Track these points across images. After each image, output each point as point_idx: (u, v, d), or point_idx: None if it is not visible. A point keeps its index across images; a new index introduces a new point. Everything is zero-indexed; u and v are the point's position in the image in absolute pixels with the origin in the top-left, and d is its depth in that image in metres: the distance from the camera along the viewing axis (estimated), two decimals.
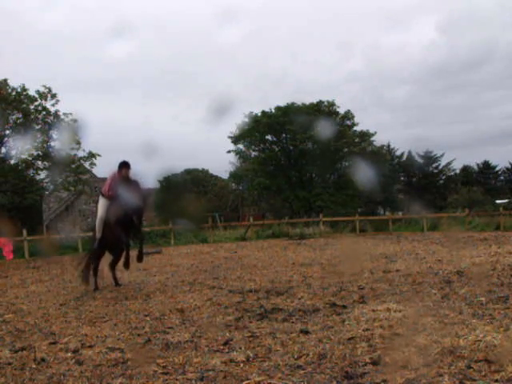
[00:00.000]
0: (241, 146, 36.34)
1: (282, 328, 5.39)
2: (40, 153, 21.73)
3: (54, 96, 22.05)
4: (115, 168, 8.82)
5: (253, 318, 6.02)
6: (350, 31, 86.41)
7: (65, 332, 5.83)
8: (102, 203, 8.95)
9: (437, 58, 76.09)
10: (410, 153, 47.76)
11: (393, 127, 71.02)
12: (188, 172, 45.09)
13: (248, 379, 3.82)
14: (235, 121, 35.19)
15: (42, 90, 21.82)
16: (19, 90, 21.62)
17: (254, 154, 36.33)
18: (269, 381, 3.75)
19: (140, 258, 9.00)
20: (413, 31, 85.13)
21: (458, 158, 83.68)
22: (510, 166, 51.47)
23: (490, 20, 75.94)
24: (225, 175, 41.72)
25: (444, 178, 48.67)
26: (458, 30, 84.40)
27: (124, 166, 8.68)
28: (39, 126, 22.03)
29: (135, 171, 8.92)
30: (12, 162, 22.26)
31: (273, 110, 33.68)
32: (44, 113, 21.94)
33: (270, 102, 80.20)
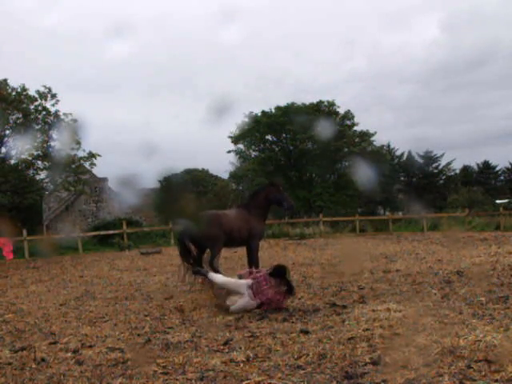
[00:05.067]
0: (241, 146, 36.35)
1: (282, 328, 5.39)
2: (40, 153, 21.68)
3: (53, 96, 22.03)
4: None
5: (253, 318, 6.03)
6: (351, 30, 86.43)
7: (65, 332, 5.84)
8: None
9: (439, 57, 76.02)
10: (410, 153, 47.73)
11: (394, 127, 70.94)
12: (188, 172, 45.06)
13: (248, 379, 3.82)
14: (235, 121, 35.17)
15: (42, 89, 21.81)
16: (19, 90, 21.59)
17: (254, 154, 36.31)
18: (269, 381, 3.75)
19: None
20: (415, 30, 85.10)
21: (458, 158, 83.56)
22: (510, 166, 51.44)
23: (493, 19, 75.87)
24: (225, 175, 41.73)
25: (444, 178, 48.58)
26: (460, 29, 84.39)
27: None
28: (39, 126, 21.99)
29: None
30: (12, 162, 22.23)
31: (273, 110, 33.65)
32: (44, 113, 21.90)
33: (270, 102, 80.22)
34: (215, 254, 8.99)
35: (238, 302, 6.46)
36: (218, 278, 7.36)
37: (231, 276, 9.48)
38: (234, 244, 9.58)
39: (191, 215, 9.56)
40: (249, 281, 6.73)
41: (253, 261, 9.23)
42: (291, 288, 6.47)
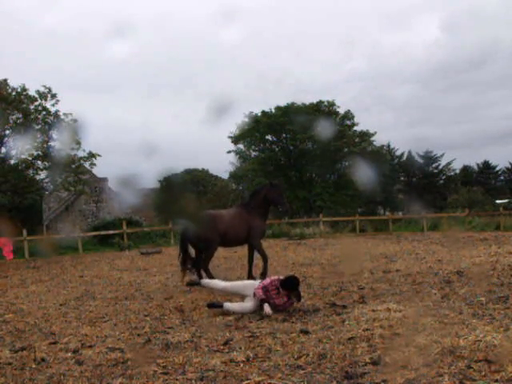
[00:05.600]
0: (241, 146, 36.34)
1: (282, 328, 5.39)
2: (40, 153, 21.68)
3: (53, 96, 22.02)
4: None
5: (253, 318, 6.03)
6: (351, 30, 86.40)
7: (65, 332, 5.84)
8: None
9: (439, 57, 75.92)
10: (410, 153, 47.70)
11: (394, 127, 70.88)
12: (188, 172, 45.10)
13: (248, 379, 3.82)
14: (235, 121, 35.16)
15: (42, 89, 21.81)
16: (19, 90, 21.60)
17: (254, 154, 36.31)
18: (269, 381, 3.76)
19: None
20: (415, 30, 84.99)
21: (458, 158, 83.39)
22: (510, 166, 51.43)
23: (493, 19, 75.74)
24: (225, 175, 41.74)
25: (444, 178, 48.58)
26: (460, 29, 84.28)
27: None
28: (39, 126, 21.98)
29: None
30: (12, 162, 22.23)
31: (273, 110, 33.65)
32: (44, 113, 21.90)
33: (270, 102, 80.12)
34: (209, 256, 9.02)
35: (240, 303, 6.44)
36: (216, 283, 7.30)
37: (230, 276, 9.50)
38: (231, 244, 9.66)
39: (190, 215, 9.59)
40: (246, 282, 6.72)
41: (263, 257, 9.33)
42: (299, 298, 6.43)
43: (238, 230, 9.12)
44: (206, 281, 7.55)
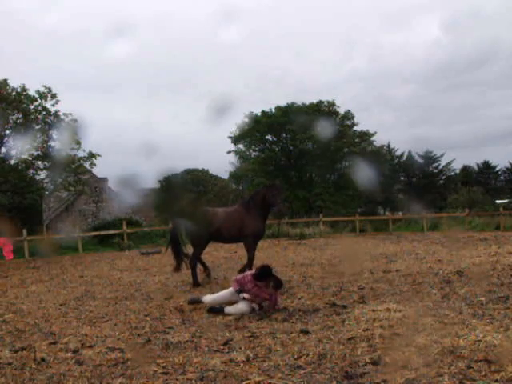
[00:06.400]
0: (241, 146, 36.32)
1: (282, 328, 5.39)
2: (40, 153, 21.68)
3: (54, 96, 22.01)
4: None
5: (253, 318, 6.03)
6: (351, 30, 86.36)
7: (65, 332, 5.84)
8: None
9: (439, 57, 75.88)
10: (410, 153, 47.67)
11: (394, 127, 70.83)
12: (188, 172, 45.09)
13: (248, 379, 3.83)
14: (235, 121, 35.12)
15: (42, 89, 21.79)
16: (19, 90, 21.58)
17: (254, 154, 36.29)
18: (269, 381, 3.76)
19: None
20: (415, 30, 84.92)
21: (458, 158, 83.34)
22: (510, 166, 51.43)
23: (493, 19, 75.64)
24: (225, 175, 41.73)
25: (444, 178, 48.57)
26: (461, 29, 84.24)
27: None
28: (39, 126, 21.97)
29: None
30: (12, 162, 22.21)
31: (273, 110, 33.64)
32: (44, 113, 21.88)
33: (270, 102, 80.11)
34: (197, 252, 9.09)
35: (235, 306, 6.44)
36: (205, 298, 7.30)
37: (230, 277, 9.49)
38: (224, 241, 9.81)
39: (188, 213, 9.66)
40: (231, 289, 6.70)
41: (248, 259, 9.29)
42: (279, 282, 6.45)
43: (230, 227, 9.16)
44: (203, 298, 7.56)
